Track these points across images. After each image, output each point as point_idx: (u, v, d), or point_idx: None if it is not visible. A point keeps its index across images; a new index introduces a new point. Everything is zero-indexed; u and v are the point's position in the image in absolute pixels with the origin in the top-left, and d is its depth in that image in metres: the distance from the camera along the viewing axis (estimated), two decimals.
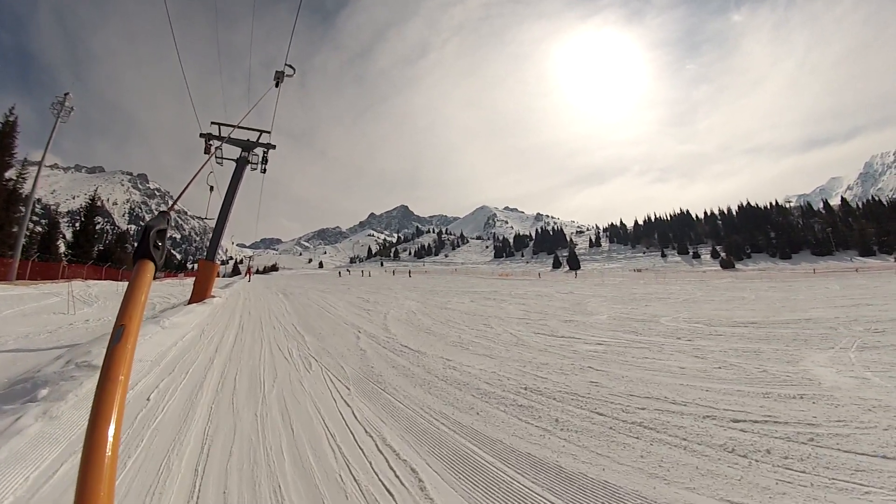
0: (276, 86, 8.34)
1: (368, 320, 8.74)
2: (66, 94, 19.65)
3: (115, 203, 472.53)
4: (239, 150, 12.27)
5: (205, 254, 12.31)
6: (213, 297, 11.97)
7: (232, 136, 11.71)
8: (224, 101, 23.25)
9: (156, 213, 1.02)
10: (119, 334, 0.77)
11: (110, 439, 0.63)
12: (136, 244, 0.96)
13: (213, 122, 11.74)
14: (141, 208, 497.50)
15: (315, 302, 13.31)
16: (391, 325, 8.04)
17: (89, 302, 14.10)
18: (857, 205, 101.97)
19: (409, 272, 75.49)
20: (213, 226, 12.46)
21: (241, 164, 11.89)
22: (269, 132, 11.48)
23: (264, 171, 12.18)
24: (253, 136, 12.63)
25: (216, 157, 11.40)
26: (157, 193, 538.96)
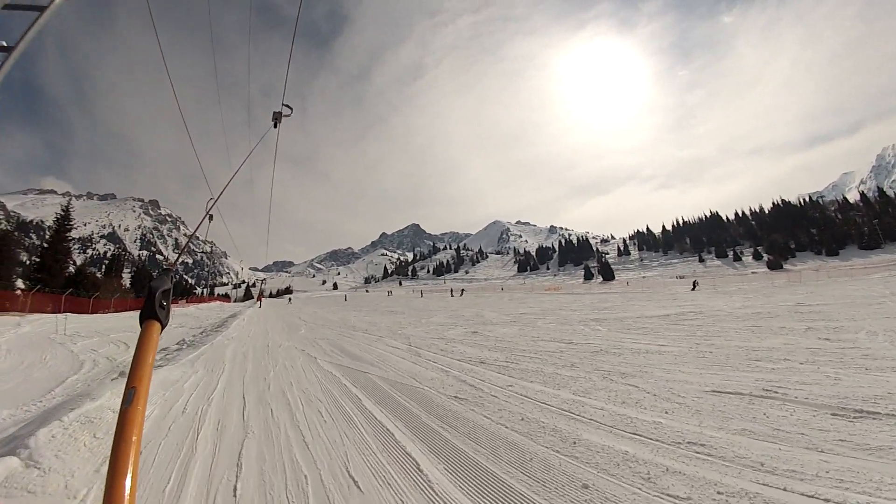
0: (275, 126, 8.02)
1: None
2: None
3: (126, 229, 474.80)
4: None
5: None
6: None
7: None
8: (224, 125, 19.33)
9: (161, 267, 0.99)
10: (130, 396, 0.76)
11: (126, 498, 0.64)
12: (141, 306, 0.95)
13: None
14: (153, 234, 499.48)
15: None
16: None
17: None
18: None
19: (451, 291, 61.81)
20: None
21: None
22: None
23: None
24: None
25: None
26: (169, 219, 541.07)
